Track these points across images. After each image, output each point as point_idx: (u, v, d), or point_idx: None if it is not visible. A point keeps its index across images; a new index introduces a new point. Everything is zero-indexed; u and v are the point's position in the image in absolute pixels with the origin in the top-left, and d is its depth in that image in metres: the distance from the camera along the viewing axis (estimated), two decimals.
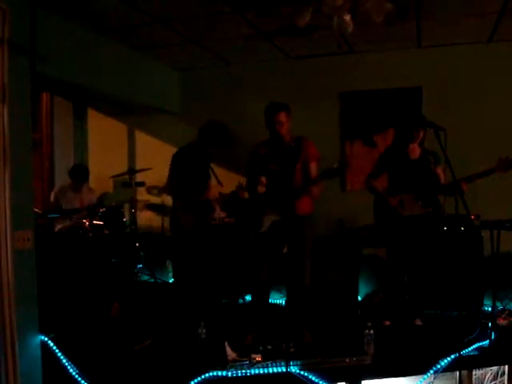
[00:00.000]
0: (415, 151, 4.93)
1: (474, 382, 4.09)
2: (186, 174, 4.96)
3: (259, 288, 4.62)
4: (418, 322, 4.92)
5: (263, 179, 4.62)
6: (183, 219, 4.98)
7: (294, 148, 4.40)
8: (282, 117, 4.41)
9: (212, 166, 5.51)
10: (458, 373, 4.04)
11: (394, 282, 5.00)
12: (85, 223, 5.95)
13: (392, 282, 5.02)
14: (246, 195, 4.87)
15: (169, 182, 5.17)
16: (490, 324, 4.44)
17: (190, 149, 5.06)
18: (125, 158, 7.64)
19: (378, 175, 5.04)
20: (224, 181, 5.52)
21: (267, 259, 4.53)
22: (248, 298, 5.51)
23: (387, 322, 4.98)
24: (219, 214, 5.19)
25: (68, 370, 3.94)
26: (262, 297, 4.65)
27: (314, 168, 4.52)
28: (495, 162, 4.47)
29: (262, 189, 4.62)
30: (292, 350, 3.94)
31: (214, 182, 5.44)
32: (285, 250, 4.49)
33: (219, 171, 5.66)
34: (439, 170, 4.90)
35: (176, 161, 5.05)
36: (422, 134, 4.83)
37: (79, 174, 6.62)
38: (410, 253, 4.92)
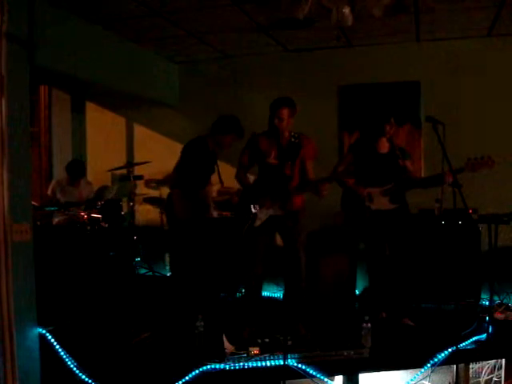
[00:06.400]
0: (384, 145, 4.93)
1: (471, 375, 4.11)
2: (196, 163, 4.96)
3: (252, 282, 4.63)
4: (407, 321, 4.81)
5: (250, 177, 4.68)
6: (177, 208, 4.96)
7: (295, 144, 4.41)
8: (284, 113, 4.40)
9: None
10: (455, 366, 4.04)
11: (376, 276, 4.98)
12: (83, 216, 5.94)
13: (374, 277, 5.01)
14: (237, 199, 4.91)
15: (176, 169, 5.15)
16: (487, 318, 4.46)
17: (201, 141, 5.06)
18: (123, 151, 7.63)
19: (348, 167, 5.00)
20: (224, 176, 5.49)
21: (261, 253, 4.55)
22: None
23: (384, 314, 4.97)
24: (212, 211, 5.18)
25: (66, 362, 3.94)
26: (254, 291, 4.65)
27: (310, 166, 4.57)
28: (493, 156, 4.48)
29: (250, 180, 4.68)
30: (290, 342, 3.94)
31: (215, 179, 5.42)
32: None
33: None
34: (408, 164, 4.93)
35: (188, 149, 5.04)
36: (392, 128, 4.85)
37: (75, 169, 6.63)
38: (383, 246, 4.88)
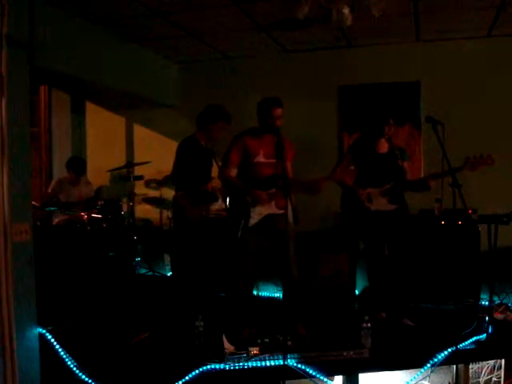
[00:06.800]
0: (383, 146, 4.95)
1: (470, 375, 4.11)
2: (191, 163, 4.96)
3: (244, 281, 4.59)
4: (407, 322, 4.82)
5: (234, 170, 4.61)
6: (189, 210, 4.95)
7: (280, 143, 4.39)
8: (279, 112, 4.43)
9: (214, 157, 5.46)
10: (454, 366, 4.05)
11: (376, 276, 4.97)
12: (83, 216, 5.94)
13: (373, 277, 5.00)
14: None
15: (174, 172, 5.15)
16: (486, 318, 4.46)
17: (191, 139, 5.06)
18: (123, 151, 7.63)
19: (346, 167, 5.01)
20: None
21: (252, 252, 4.53)
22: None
23: (383, 314, 4.98)
24: (221, 204, 5.18)
25: (66, 362, 3.94)
26: (245, 290, 4.61)
27: (290, 166, 4.63)
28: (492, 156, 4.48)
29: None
30: (289, 343, 3.95)
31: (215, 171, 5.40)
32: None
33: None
34: (406, 165, 4.98)
35: (181, 150, 5.04)
36: (391, 129, 4.87)
37: (76, 166, 6.62)
38: (382, 247, 4.90)
